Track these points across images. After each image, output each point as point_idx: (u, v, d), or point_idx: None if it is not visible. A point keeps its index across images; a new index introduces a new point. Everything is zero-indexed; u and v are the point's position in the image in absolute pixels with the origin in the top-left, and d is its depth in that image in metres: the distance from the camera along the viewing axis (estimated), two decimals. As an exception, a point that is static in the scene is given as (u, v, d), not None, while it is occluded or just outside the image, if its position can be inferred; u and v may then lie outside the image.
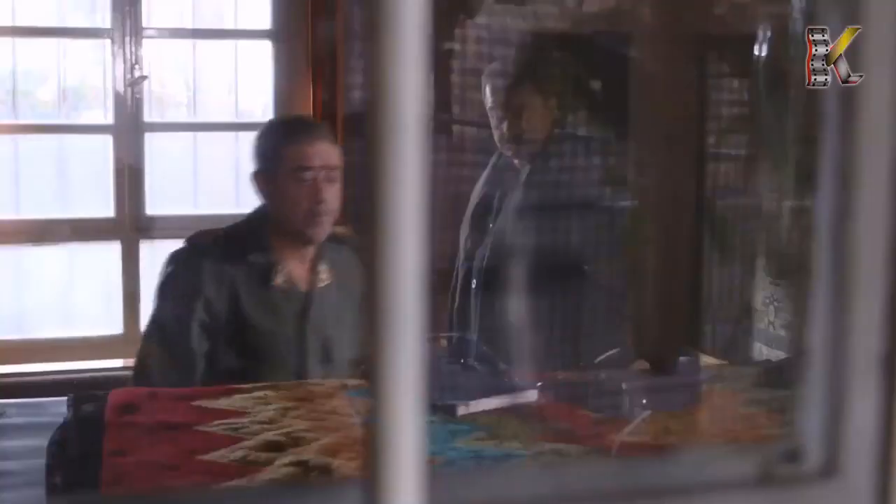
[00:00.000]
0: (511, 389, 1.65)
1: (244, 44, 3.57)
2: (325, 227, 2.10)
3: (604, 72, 3.31)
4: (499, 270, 2.29)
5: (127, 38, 3.31)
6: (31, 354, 3.19)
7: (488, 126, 2.49)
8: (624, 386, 1.42)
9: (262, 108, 3.56)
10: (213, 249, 2.07)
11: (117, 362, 3.18)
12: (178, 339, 1.98)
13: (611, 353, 1.73)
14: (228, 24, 3.59)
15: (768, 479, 0.53)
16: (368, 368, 0.41)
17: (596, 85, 3.32)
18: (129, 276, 3.42)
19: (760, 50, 2.93)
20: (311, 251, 2.13)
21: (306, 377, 1.92)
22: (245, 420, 1.42)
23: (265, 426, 1.39)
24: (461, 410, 1.59)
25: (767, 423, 1.44)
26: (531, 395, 1.64)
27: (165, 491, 1.10)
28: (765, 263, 3.07)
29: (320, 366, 2.02)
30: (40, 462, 1.32)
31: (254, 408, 1.48)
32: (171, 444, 1.34)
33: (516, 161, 2.44)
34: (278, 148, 2.15)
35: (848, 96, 0.50)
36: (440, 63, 3.16)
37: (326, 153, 2.13)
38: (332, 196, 2.10)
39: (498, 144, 2.45)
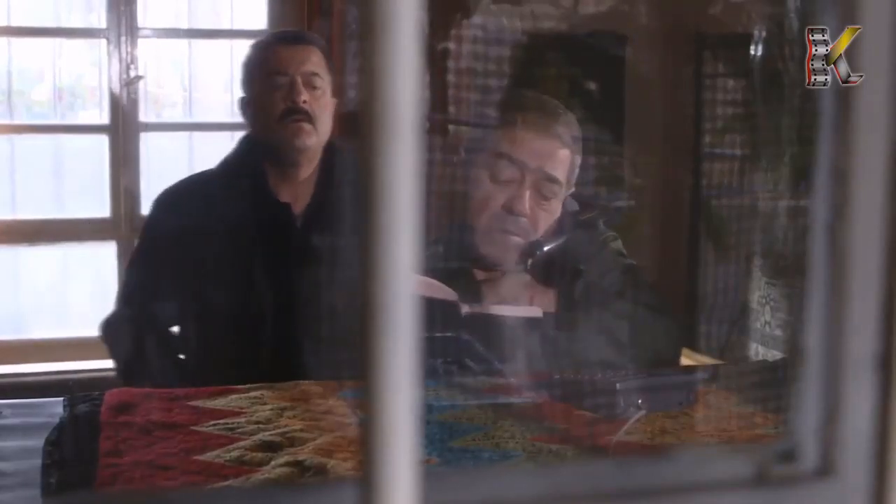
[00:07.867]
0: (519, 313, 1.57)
1: (240, 43, 3.57)
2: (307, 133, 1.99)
3: (600, 72, 3.32)
4: None
5: (122, 38, 3.31)
6: (27, 355, 3.19)
7: (485, 126, 2.49)
8: (619, 386, 1.42)
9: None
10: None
11: (113, 363, 3.17)
12: None
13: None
14: (224, 24, 3.59)
15: (764, 479, 0.53)
16: (361, 366, 0.41)
17: (591, 86, 3.32)
18: (125, 277, 3.41)
19: (756, 49, 2.94)
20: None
21: None
22: (241, 420, 1.42)
23: (261, 426, 1.39)
24: (465, 309, 1.53)
25: (763, 422, 1.44)
26: (536, 311, 1.58)
27: (161, 491, 1.09)
28: (761, 263, 3.07)
29: None
30: (36, 462, 1.32)
31: (250, 408, 1.48)
32: (167, 444, 1.34)
33: None
34: (253, 57, 2.07)
35: (845, 95, 0.50)
36: (436, 63, 3.17)
37: (303, 57, 2.02)
38: (313, 101, 2.00)
39: None
